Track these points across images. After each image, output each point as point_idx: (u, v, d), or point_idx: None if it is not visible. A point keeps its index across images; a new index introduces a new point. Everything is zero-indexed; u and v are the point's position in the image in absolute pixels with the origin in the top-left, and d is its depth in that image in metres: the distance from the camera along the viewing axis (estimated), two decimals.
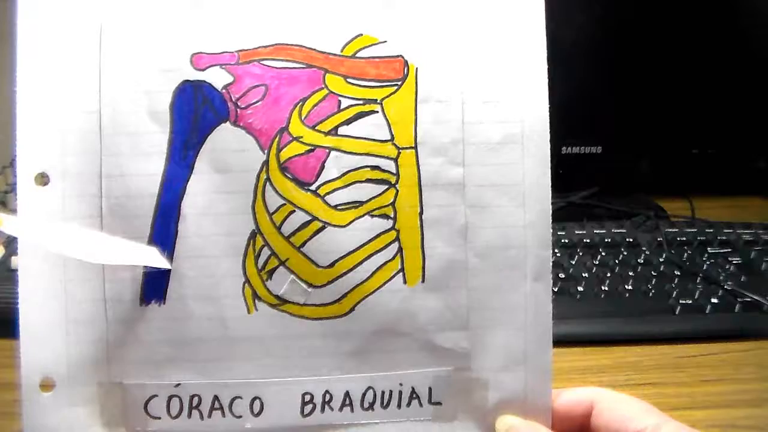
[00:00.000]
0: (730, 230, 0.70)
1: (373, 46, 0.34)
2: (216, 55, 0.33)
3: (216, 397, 0.34)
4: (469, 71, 0.34)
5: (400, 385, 0.34)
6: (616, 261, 0.65)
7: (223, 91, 0.33)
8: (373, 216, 0.34)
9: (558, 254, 0.66)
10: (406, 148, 0.34)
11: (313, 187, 0.33)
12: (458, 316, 0.34)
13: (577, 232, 0.69)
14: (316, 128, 0.33)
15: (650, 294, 0.60)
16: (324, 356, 0.34)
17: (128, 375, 0.33)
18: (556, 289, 0.61)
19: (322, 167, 0.33)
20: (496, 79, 0.34)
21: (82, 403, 0.33)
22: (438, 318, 0.34)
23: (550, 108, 0.34)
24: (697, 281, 0.62)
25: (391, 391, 0.34)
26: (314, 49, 0.34)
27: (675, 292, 0.60)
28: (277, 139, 0.33)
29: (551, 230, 0.34)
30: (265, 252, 0.33)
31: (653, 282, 0.62)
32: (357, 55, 0.34)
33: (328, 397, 0.34)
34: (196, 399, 0.33)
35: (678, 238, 0.69)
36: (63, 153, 0.33)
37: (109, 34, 0.33)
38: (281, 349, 0.34)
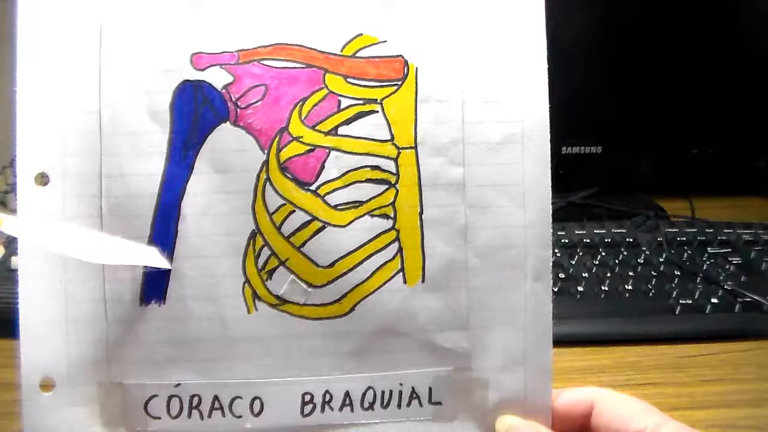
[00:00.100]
0: (730, 230, 0.70)
1: (373, 46, 0.34)
2: (216, 54, 0.33)
3: (216, 397, 0.34)
4: (469, 71, 0.34)
5: (400, 385, 0.34)
6: (616, 261, 0.65)
7: (223, 91, 0.33)
8: (373, 216, 0.34)
9: (558, 254, 0.66)
10: (406, 148, 0.34)
11: (313, 187, 0.33)
12: (458, 316, 0.34)
13: (577, 232, 0.69)
14: (316, 128, 0.33)
15: (650, 294, 0.60)
16: (324, 356, 0.34)
17: (128, 375, 0.33)
18: (556, 289, 0.61)
19: (322, 167, 0.33)
20: (496, 79, 0.34)
21: (82, 403, 0.33)
22: (438, 318, 0.34)
23: (550, 108, 0.34)
24: (697, 281, 0.62)
25: (391, 391, 0.34)
26: (314, 49, 0.34)
27: (675, 292, 0.60)
28: (277, 139, 0.33)
29: (551, 230, 0.34)
30: (265, 252, 0.33)
31: (653, 282, 0.62)
32: (357, 54, 0.34)
33: (328, 397, 0.34)
34: (196, 399, 0.33)
35: (678, 238, 0.69)
36: (63, 153, 0.33)
37: (109, 34, 0.33)
38: (281, 349, 0.34)
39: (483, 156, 0.34)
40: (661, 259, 0.66)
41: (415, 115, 0.34)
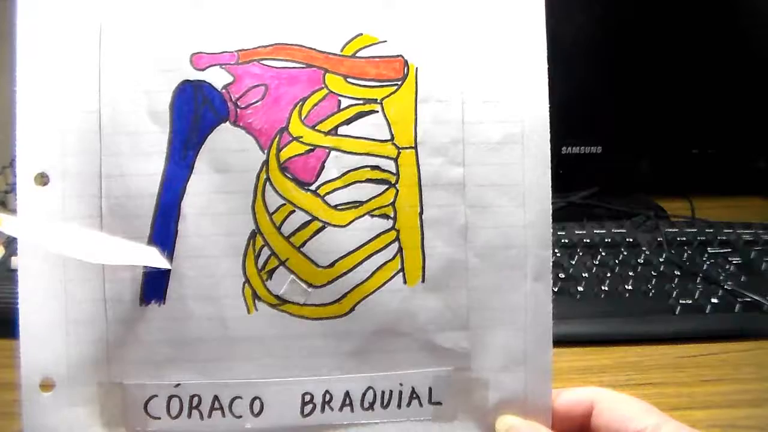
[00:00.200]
0: (730, 230, 0.70)
1: (373, 46, 0.34)
2: (216, 54, 0.33)
3: (216, 397, 0.34)
4: (469, 71, 0.34)
5: (400, 385, 0.34)
6: (616, 261, 0.65)
7: (223, 90, 0.33)
8: (373, 216, 0.34)
9: (558, 254, 0.66)
10: (406, 147, 0.34)
11: (313, 187, 0.33)
12: (458, 316, 0.34)
13: (577, 232, 0.69)
14: (316, 128, 0.33)
15: (650, 294, 0.60)
16: (324, 356, 0.34)
17: (128, 375, 0.33)
18: (556, 289, 0.61)
19: (322, 167, 0.33)
20: (496, 79, 0.34)
21: (82, 403, 0.33)
22: (438, 318, 0.34)
23: (550, 108, 0.34)
24: (697, 281, 0.62)
25: (391, 391, 0.34)
26: (314, 49, 0.34)
27: (675, 292, 0.60)
28: (277, 138, 0.33)
29: (551, 230, 0.34)
30: (265, 252, 0.33)
31: (653, 282, 0.62)
32: (357, 54, 0.34)
33: (328, 397, 0.34)
34: (196, 399, 0.33)
35: (678, 238, 0.69)
36: (63, 153, 0.33)
37: (109, 34, 0.33)
38: (281, 349, 0.34)
39: (483, 156, 0.34)
40: (661, 259, 0.66)
41: (415, 115, 0.34)
